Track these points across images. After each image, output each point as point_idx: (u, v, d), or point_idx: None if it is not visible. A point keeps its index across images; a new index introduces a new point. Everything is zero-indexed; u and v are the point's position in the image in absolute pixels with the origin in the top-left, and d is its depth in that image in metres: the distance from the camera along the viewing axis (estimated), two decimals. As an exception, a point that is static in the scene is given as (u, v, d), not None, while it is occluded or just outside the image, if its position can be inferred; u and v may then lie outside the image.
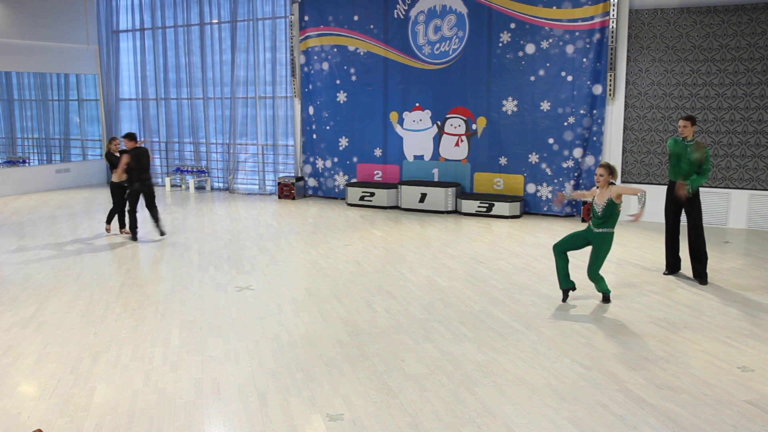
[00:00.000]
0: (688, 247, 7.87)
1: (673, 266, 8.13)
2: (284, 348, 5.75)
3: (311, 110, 14.19)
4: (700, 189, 7.92)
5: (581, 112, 11.58)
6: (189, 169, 16.12)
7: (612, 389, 4.89)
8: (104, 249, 9.61)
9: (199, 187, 16.05)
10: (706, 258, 7.77)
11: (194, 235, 10.62)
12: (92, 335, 6.09)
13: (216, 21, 15.38)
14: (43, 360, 5.51)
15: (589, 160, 11.68)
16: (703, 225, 7.86)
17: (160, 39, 16.24)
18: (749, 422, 4.40)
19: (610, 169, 6.76)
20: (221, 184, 16.11)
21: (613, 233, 6.78)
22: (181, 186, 16.27)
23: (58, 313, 6.74)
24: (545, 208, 12.16)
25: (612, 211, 6.68)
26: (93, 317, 6.60)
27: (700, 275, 7.74)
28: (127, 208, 10.22)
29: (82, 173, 16.80)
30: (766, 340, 5.90)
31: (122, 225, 10.56)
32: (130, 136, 10.10)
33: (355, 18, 13.39)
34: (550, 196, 12.04)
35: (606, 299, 6.99)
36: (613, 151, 11.52)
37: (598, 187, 6.84)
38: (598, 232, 6.78)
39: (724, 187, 10.90)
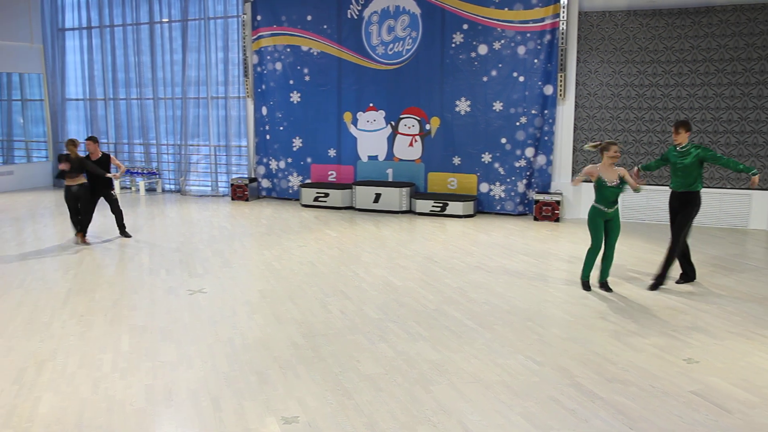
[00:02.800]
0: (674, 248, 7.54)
1: (687, 274, 7.83)
2: (238, 351, 5.67)
3: (264, 111, 14.05)
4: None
5: (533, 112, 11.77)
6: (139, 171, 15.77)
7: (564, 384, 4.99)
8: (50, 254, 9.32)
9: (150, 189, 15.72)
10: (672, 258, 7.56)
11: (145, 237, 10.39)
12: (37, 343, 5.89)
13: (166, 20, 15.09)
14: (-16, 370, 5.31)
15: (541, 160, 11.88)
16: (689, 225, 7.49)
17: (108, 38, 15.85)
18: (694, 412, 4.54)
19: None
20: (173, 186, 15.81)
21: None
22: (131, 188, 15.90)
23: (1, 321, 6.50)
24: (498, 207, 12.32)
25: (622, 188, 7.10)
26: (38, 324, 6.39)
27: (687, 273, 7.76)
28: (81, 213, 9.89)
29: (26, 176, 16.25)
30: (710, 332, 6.10)
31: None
32: (95, 140, 10.08)
33: (309, 18, 13.32)
34: (503, 195, 12.20)
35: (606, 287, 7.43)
36: (563, 151, 11.75)
37: (612, 162, 7.03)
38: (613, 210, 7.13)
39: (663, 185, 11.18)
